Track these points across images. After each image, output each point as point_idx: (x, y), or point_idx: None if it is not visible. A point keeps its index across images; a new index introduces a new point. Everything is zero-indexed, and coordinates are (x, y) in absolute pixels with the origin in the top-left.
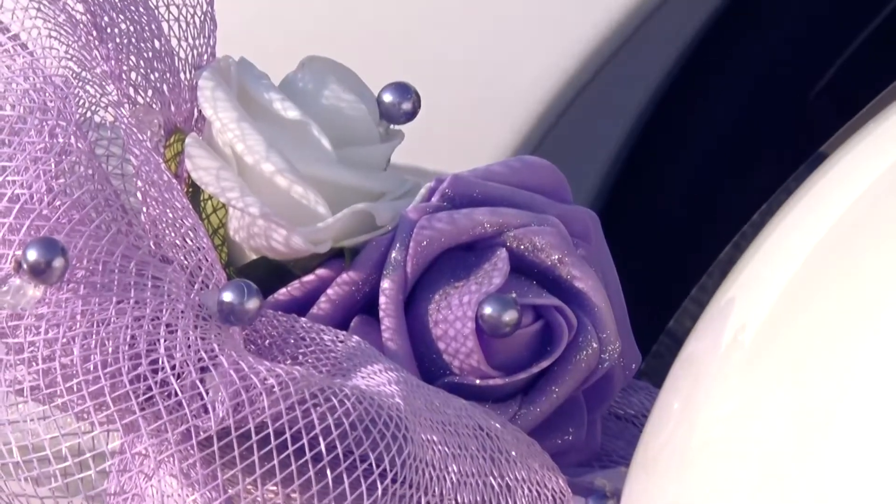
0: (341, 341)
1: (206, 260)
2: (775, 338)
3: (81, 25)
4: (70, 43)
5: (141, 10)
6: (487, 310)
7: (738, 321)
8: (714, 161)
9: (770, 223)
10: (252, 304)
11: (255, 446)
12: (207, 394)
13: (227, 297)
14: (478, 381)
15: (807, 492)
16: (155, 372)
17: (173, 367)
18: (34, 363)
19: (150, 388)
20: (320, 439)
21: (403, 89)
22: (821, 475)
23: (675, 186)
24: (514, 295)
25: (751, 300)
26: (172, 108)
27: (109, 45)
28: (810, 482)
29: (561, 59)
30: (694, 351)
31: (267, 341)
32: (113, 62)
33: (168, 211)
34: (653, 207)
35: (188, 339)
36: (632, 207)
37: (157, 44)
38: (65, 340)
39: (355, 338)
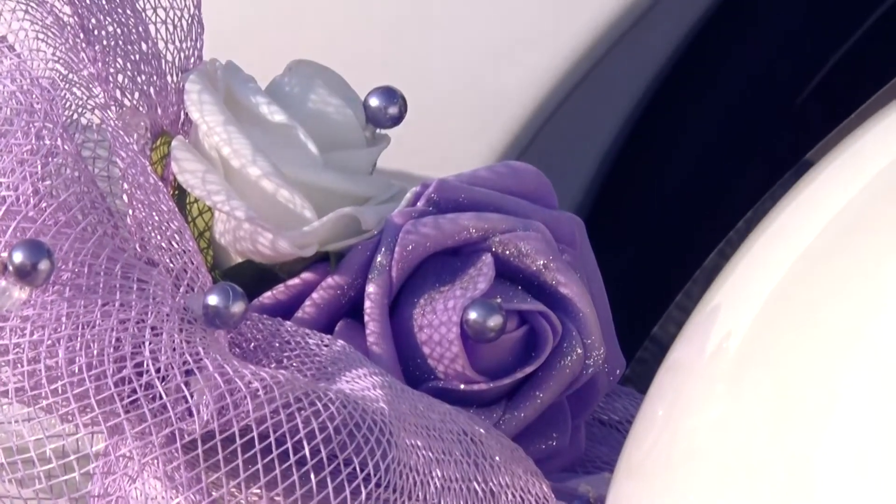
0: (326, 345)
1: (192, 263)
2: (761, 345)
3: (69, 27)
4: (57, 45)
5: (128, 12)
6: (472, 315)
7: (724, 328)
8: (700, 168)
9: (756, 230)
10: (237, 307)
11: (239, 450)
12: (192, 397)
13: (213, 300)
14: (462, 386)
15: (792, 500)
16: (140, 375)
17: (158, 370)
18: (19, 365)
19: (134, 391)
20: (304, 443)
21: (390, 93)
22: (807, 483)
23: (660, 193)
24: (499, 300)
25: (736, 307)
26: (159, 110)
27: (96, 48)
28: (796, 491)
29: (547, 65)
30: (679, 358)
31: (252, 345)
32: (100, 64)
33: (154, 214)
34: (638, 213)
35: (173, 342)
36: (617, 213)
37: (144, 46)
38: (50, 342)
39: (340, 342)
